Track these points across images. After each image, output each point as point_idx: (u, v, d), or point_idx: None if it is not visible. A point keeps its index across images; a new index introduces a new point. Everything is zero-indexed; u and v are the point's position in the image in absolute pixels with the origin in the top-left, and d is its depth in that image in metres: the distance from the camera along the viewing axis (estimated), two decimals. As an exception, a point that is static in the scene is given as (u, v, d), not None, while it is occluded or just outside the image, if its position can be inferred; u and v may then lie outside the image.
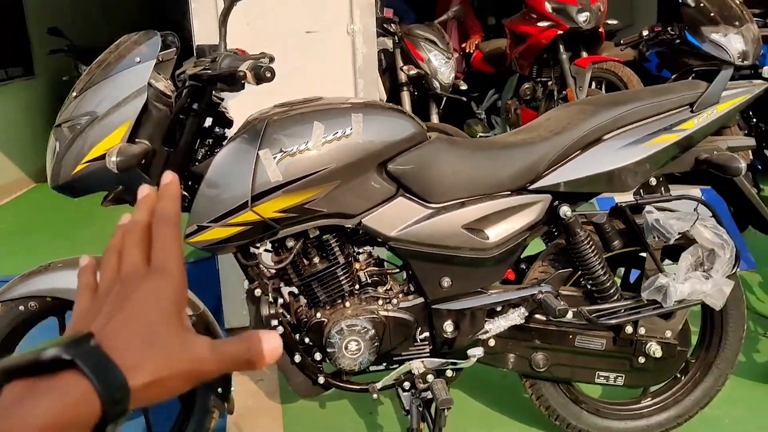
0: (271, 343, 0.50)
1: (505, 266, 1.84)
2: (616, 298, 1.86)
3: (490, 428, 2.23)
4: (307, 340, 1.84)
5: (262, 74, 1.46)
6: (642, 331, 1.90)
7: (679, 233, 1.76)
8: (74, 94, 1.68)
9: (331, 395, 2.43)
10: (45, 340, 0.44)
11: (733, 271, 1.82)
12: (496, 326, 1.83)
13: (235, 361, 0.50)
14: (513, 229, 1.79)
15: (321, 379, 1.86)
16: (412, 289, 1.87)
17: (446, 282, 1.81)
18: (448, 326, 1.84)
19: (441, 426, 1.85)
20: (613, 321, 1.83)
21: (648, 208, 1.81)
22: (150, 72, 1.63)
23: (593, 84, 3.94)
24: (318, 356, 1.85)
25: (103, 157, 1.61)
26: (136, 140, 1.65)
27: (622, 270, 2.09)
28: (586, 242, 1.82)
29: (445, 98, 3.91)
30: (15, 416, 0.39)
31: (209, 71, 1.57)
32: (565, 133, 1.79)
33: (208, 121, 1.79)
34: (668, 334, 1.91)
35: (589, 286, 1.87)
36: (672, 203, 1.88)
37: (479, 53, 5.05)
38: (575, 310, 1.82)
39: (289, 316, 1.85)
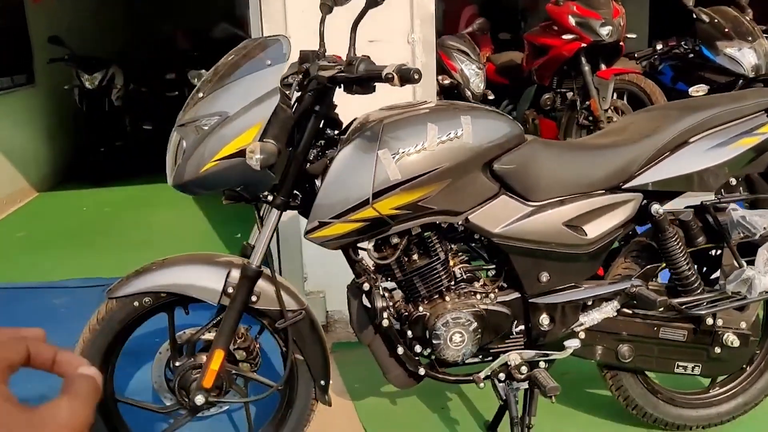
0: (87, 371, 0.53)
1: (599, 261, 1.95)
2: (699, 291, 1.98)
3: (564, 421, 2.32)
4: (409, 333, 1.92)
5: (411, 76, 1.55)
6: (720, 322, 2.03)
7: (765, 228, 1.88)
8: (200, 95, 1.74)
9: (399, 393, 2.51)
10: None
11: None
12: (590, 319, 1.94)
13: (90, 396, 0.52)
14: (608, 226, 1.91)
15: (422, 371, 1.94)
16: (506, 285, 1.97)
17: (545, 277, 1.91)
18: (544, 319, 1.94)
19: (533, 414, 1.95)
20: (699, 312, 1.95)
21: (732, 206, 1.94)
22: (282, 73, 1.71)
23: (614, 95, 4.09)
24: (418, 348, 1.93)
25: (234, 155, 1.68)
26: (266, 140, 1.73)
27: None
28: (673, 238, 1.94)
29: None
30: None
31: (346, 74, 1.65)
32: (655, 135, 1.91)
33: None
34: (743, 325, 2.04)
35: (673, 280, 1.99)
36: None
37: (491, 65, 5.19)
38: (665, 300, 1.93)
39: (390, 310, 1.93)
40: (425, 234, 1.89)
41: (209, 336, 1.89)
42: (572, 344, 1.95)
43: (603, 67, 4.19)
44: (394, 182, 1.75)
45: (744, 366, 2.19)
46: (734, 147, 1.91)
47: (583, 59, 4.11)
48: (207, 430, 2.29)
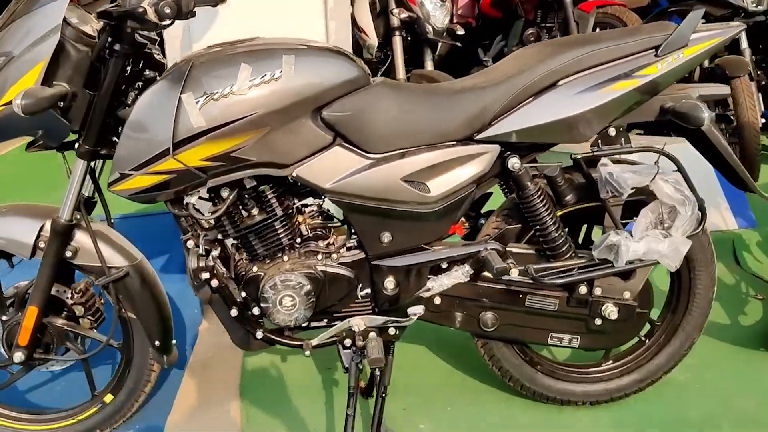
0: None
1: (449, 221, 1.74)
2: (568, 256, 1.75)
3: (438, 389, 2.15)
4: (244, 294, 1.77)
5: (161, 10, 1.36)
6: (598, 291, 1.79)
7: (634, 188, 1.63)
8: None
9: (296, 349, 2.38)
10: None
11: (697, 230, 1.70)
12: (438, 284, 1.74)
13: None
14: (456, 182, 1.68)
15: (259, 334, 1.80)
16: (354, 244, 1.78)
17: (386, 237, 1.72)
18: (389, 283, 1.75)
19: (385, 384, 1.78)
20: (562, 281, 1.73)
21: (603, 160, 1.68)
22: (64, 8, 1.53)
23: (597, 29, 3.72)
24: (257, 311, 1.78)
25: None
26: (54, 82, 1.57)
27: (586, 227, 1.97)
28: (536, 196, 1.70)
29: (441, 44, 3.75)
30: None
31: (118, 8, 1.47)
32: (517, 77, 1.65)
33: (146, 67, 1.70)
34: (626, 295, 1.80)
35: (541, 243, 1.76)
36: (634, 156, 1.75)
37: (487, -5, 4.82)
38: (522, 268, 1.71)
39: (225, 270, 1.78)
40: (261, 188, 1.71)
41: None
42: (416, 311, 1.77)
43: (588, -2, 3.81)
44: (199, 130, 1.57)
45: (642, 339, 1.96)
46: (608, 91, 1.64)
47: (564, -11, 3.74)
48: (53, 386, 2.22)
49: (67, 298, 1.83)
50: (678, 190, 1.66)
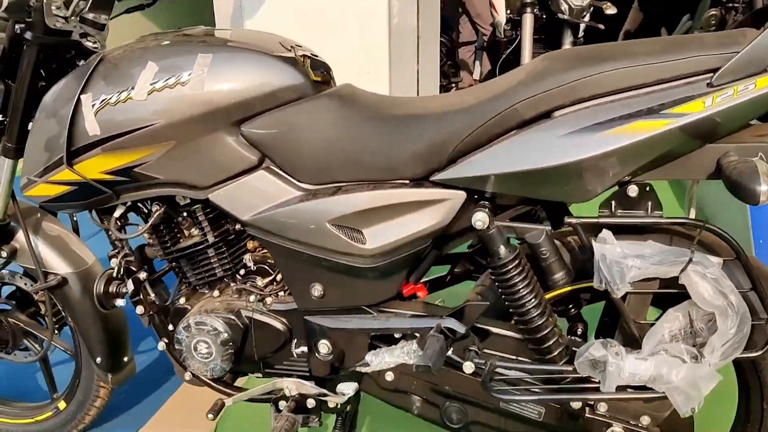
0: None
1: (393, 283, 1.31)
2: (555, 355, 1.24)
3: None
4: (170, 327, 1.52)
5: None
6: (601, 408, 1.27)
7: (633, 278, 1.09)
8: None
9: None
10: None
11: (738, 354, 1.10)
12: (378, 361, 1.33)
13: None
14: (401, 235, 1.25)
15: (187, 375, 1.54)
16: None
17: (317, 290, 1.35)
18: (322, 346, 1.39)
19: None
20: (522, 398, 1.24)
21: (604, 232, 1.15)
22: None
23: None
24: None
25: None
26: None
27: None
28: (512, 268, 1.21)
29: (583, 26, 3.10)
30: None
31: None
32: (499, 99, 1.17)
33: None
34: (645, 421, 1.25)
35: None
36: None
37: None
38: (481, 362, 1.25)
39: (155, 296, 1.54)
40: (193, 208, 1.44)
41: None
42: (345, 390, 1.39)
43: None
44: (94, 139, 1.32)
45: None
46: (621, 132, 1.09)
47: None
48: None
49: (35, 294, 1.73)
50: (721, 293, 1.08)
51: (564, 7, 3.00)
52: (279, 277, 1.47)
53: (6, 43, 1.41)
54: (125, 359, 1.74)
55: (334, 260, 1.30)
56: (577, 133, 1.11)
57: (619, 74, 1.11)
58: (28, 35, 1.38)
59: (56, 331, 1.75)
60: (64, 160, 1.34)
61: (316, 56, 1.39)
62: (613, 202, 1.18)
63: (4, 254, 1.63)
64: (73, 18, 1.42)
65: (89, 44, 1.44)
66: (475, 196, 1.23)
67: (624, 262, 1.09)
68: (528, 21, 3.07)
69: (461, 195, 1.22)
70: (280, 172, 1.32)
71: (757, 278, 1.14)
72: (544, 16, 3.12)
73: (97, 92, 1.31)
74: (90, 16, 1.45)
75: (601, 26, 3.07)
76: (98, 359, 1.68)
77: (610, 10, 3.07)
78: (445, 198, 1.23)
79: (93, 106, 1.31)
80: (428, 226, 1.24)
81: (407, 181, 1.25)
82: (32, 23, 1.37)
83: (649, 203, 1.17)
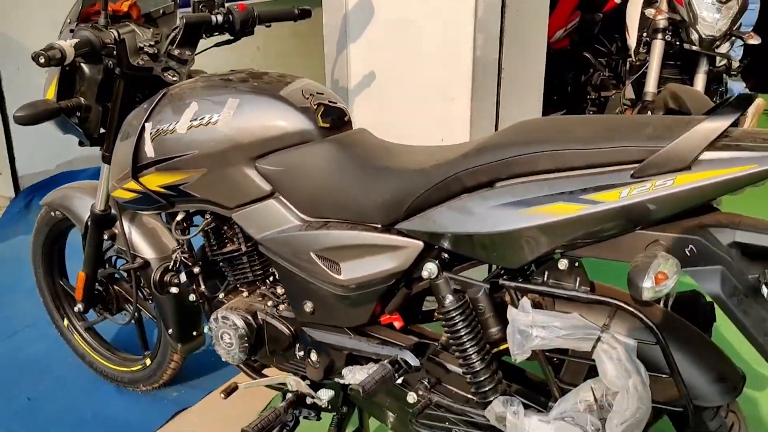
0: None
1: (364, 311, 1.48)
2: (490, 400, 1.34)
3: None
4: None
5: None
6: (533, 457, 1.35)
7: (533, 349, 1.16)
8: None
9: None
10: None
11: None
12: (351, 376, 1.52)
13: None
14: (369, 272, 1.42)
15: (225, 357, 1.84)
16: None
17: (308, 306, 1.56)
18: (313, 354, 1.61)
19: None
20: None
21: (523, 300, 1.22)
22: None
23: None
24: None
25: None
26: (75, 95, 1.81)
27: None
28: (456, 317, 1.33)
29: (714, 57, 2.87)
30: None
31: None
32: (448, 165, 1.29)
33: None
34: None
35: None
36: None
37: None
38: (420, 394, 1.39)
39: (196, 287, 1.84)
40: (231, 222, 1.72)
41: None
42: (323, 395, 1.59)
43: None
44: (150, 160, 1.64)
45: None
46: (538, 212, 1.16)
47: None
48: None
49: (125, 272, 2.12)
50: (625, 373, 1.13)
51: (694, 36, 2.83)
52: None
53: (102, 75, 1.77)
54: (194, 333, 2.08)
55: (318, 284, 1.50)
56: (505, 207, 1.20)
57: (551, 156, 1.18)
58: (117, 70, 1.73)
59: (140, 303, 2.11)
60: (131, 173, 1.67)
61: (334, 103, 1.58)
62: (546, 272, 1.25)
63: (106, 236, 2.03)
64: (162, 55, 1.75)
65: (168, 78, 1.76)
66: (436, 247, 1.36)
67: (528, 331, 1.17)
68: (657, 47, 2.95)
69: (419, 245, 1.36)
70: (286, 203, 1.54)
71: (674, 364, 1.15)
72: (678, 43, 2.96)
73: (155, 122, 1.62)
74: (176, 52, 1.77)
75: (729, 60, 2.86)
76: (170, 330, 2.03)
77: (754, 40, 2.85)
78: (405, 246, 1.37)
79: (151, 133, 1.62)
80: (390, 268, 1.40)
81: (378, 226, 1.41)
82: (119, 60, 1.70)
83: (578, 278, 1.23)
